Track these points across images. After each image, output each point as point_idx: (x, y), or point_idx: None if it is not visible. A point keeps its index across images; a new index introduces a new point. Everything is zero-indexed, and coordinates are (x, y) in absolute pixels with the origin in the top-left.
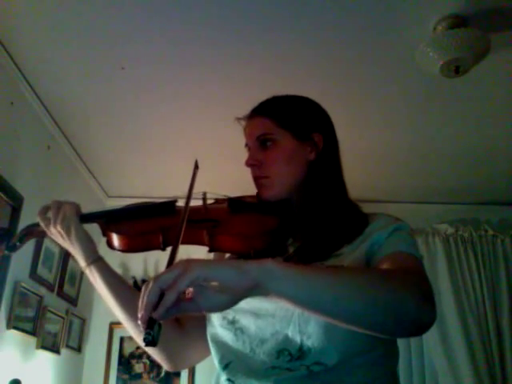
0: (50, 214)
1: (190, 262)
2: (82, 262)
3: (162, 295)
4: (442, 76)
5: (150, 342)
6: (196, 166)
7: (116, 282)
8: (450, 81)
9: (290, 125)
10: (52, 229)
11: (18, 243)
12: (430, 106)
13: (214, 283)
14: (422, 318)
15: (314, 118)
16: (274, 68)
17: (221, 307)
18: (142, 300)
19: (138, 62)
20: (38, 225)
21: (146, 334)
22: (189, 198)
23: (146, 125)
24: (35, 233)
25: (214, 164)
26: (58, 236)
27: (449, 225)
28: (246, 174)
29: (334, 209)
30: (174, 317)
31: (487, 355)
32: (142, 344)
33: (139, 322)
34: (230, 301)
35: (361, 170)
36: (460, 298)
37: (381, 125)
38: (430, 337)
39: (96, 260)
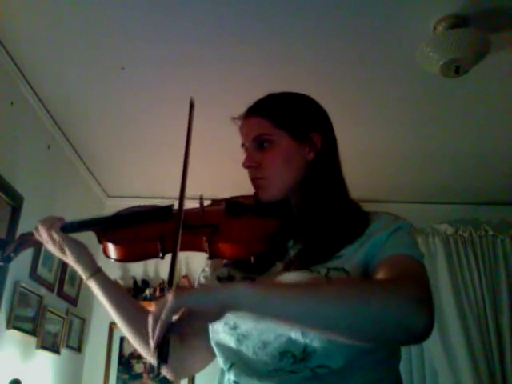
0: (42, 235)
1: (169, 295)
2: (81, 275)
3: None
4: (442, 76)
5: (160, 363)
6: (191, 105)
7: (115, 294)
8: (450, 81)
9: (287, 125)
10: (46, 246)
11: (12, 254)
12: (430, 105)
13: None
14: (413, 326)
15: (312, 117)
16: (274, 68)
17: (210, 321)
18: (148, 334)
19: (137, 62)
20: (31, 234)
21: (157, 359)
22: (188, 142)
23: (145, 125)
24: (30, 242)
25: (213, 164)
26: (53, 251)
27: (449, 225)
28: (245, 174)
29: (334, 209)
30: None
31: (487, 355)
32: (146, 350)
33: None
34: (211, 320)
35: (361, 169)
36: (460, 298)
37: (381, 125)
38: (430, 337)
39: (94, 273)
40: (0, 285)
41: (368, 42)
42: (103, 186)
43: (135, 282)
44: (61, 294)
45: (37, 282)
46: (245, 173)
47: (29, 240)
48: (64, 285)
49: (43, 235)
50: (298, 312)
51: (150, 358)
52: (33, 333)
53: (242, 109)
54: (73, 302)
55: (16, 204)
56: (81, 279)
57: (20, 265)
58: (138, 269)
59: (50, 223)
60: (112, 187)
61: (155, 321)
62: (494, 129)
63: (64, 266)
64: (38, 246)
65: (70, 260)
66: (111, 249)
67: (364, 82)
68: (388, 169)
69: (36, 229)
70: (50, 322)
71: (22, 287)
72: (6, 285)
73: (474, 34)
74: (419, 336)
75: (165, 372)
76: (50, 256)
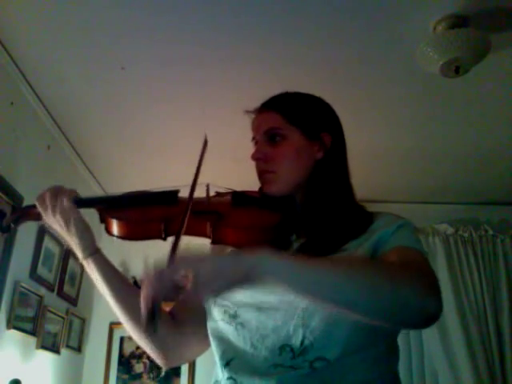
0: (48, 202)
1: (185, 252)
2: (79, 254)
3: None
4: (442, 76)
5: (152, 330)
6: (205, 142)
7: (113, 277)
8: (450, 81)
9: (299, 122)
10: (50, 217)
11: (12, 225)
12: (430, 106)
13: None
14: (426, 309)
15: (324, 117)
16: (274, 69)
17: (217, 290)
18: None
19: (137, 62)
20: (34, 206)
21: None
22: (197, 174)
23: (145, 125)
24: (31, 215)
25: (213, 164)
26: (55, 224)
27: (449, 225)
28: (245, 174)
29: (338, 207)
30: (174, 305)
31: (487, 355)
32: (140, 334)
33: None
34: (225, 285)
35: (361, 169)
36: (460, 298)
37: (380, 125)
38: (430, 336)
39: (93, 253)
40: (0, 285)
41: (368, 41)
42: (103, 185)
43: (135, 282)
44: (61, 294)
45: (37, 282)
46: (246, 173)
47: (30, 212)
48: (64, 285)
49: (52, 204)
50: (323, 284)
51: (141, 342)
52: (33, 333)
53: (242, 109)
54: (73, 301)
55: (16, 204)
56: (81, 279)
57: (20, 265)
58: (138, 268)
59: (69, 192)
60: (112, 187)
61: (159, 279)
62: (494, 129)
63: (64, 265)
64: (39, 219)
65: (73, 235)
66: (115, 225)
67: (363, 81)
68: (388, 169)
69: (41, 198)
70: (50, 321)
71: (22, 287)
72: (6, 285)
73: (473, 33)
74: (432, 319)
75: (157, 359)
76: (50, 256)
